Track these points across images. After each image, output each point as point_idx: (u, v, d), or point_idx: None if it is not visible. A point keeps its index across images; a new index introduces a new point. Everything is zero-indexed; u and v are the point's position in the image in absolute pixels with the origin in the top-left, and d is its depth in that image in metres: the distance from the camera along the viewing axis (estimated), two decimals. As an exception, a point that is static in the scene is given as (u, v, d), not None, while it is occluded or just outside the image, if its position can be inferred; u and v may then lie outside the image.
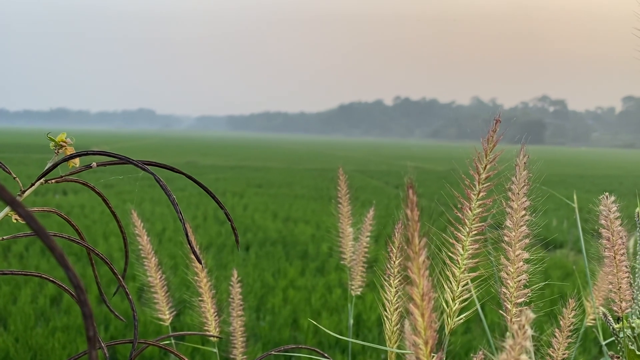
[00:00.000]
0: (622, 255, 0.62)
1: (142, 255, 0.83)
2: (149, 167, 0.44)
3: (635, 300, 0.74)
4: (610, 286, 0.63)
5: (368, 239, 1.03)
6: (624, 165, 35.95)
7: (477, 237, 0.51)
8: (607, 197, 0.60)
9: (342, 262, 1.06)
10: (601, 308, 0.65)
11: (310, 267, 6.25)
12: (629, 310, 0.70)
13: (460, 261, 0.50)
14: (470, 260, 0.49)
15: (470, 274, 0.49)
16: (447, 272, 0.50)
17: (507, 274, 0.52)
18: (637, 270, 0.77)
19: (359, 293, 1.12)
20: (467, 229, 0.50)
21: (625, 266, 0.62)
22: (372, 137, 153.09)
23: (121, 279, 0.46)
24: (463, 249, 0.50)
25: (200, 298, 0.85)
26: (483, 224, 0.49)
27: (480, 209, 0.49)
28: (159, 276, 0.84)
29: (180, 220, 0.42)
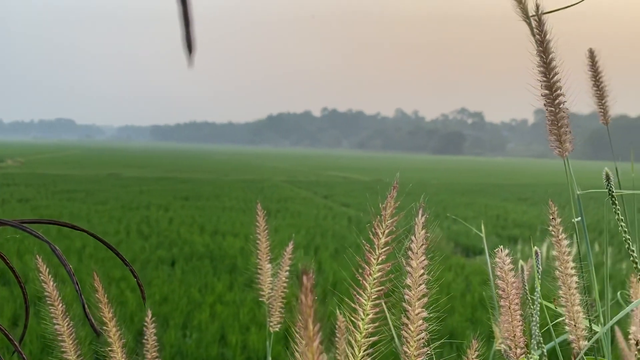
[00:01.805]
0: (516, 304, 0.66)
1: (49, 302, 0.77)
2: (41, 228, 0.42)
3: (534, 335, 0.80)
4: (506, 334, 0.68)
5: (287, 273, 1.03)
6: (537, 174, 38.18)
7: (377, 302, 0.53)
8: (501, 250, 0.64)
9: (260, 299, 1.05)
10: (503, 345, 0.69)
11: (239, 281, 6.17)
12: (527, 351, 0.75)
13: (361, 326, 0.52)
14: (371, 325, 0.51)
15: (370, 338, 0.51)
16: (350, 337, 0.52)
17: (408, 333, 0.54)
18: (533, 306, 0.82)
19: (277, 329, 1.11)
20: (368, 294, 0.52)
21: (520, 315, 0.67)
22: (302, 147, 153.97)
23: (17, 344, 0.43)
24: (364, 314, 0.52)
25: (110, 348, 0.81)
26: (383, 287, 0.52)
27: (380, 273, 0.52)
28: (67, 324, 0.79)
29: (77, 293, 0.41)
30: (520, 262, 0.88)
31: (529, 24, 0.73)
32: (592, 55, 0.90)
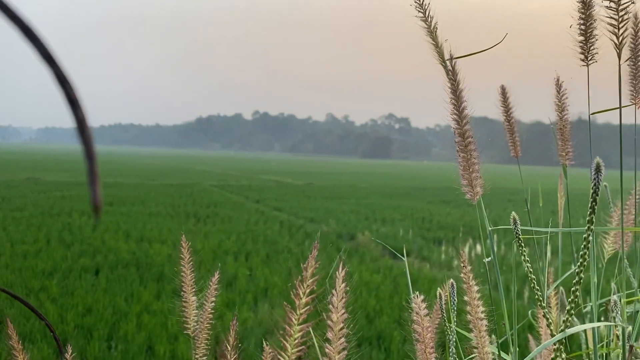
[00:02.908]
0: (431, 348, 0.71)
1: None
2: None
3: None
4: None
5: (213, 304, 1.02)
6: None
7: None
8: (417, 296, 0.69)
9: (185, 332, 1.03)
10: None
11: (167, 290, 6.04)
12: None
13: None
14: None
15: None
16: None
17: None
18: (450, 336, 0.88)
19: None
20: (289, 354, 0.54)
21: (435, 357, 0.71)
22: (233, 151, 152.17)
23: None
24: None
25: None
26: (303, 347, 0.54)
27: (301, 332, 0.54)
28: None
29: None
30: (439, 289, 0.94)
31: (445, 68, 0.79)
32: (503, 92, 0.99)
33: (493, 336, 0.93)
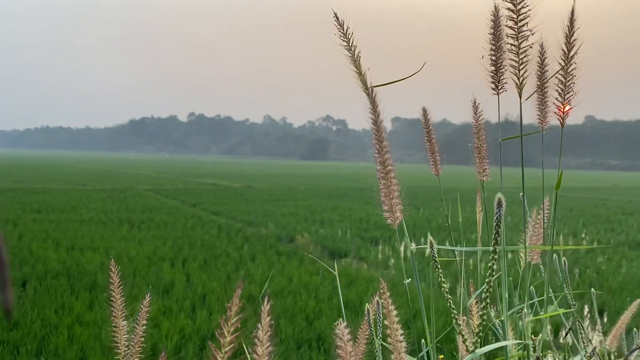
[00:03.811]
0: None
1: None
2: None
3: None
4: None
5: (144, 327, 1.00)
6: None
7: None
8: (340, 323, 0.71)
9: (116, 357, 1.01)
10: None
11: (100, 299, 5.84)
12: None
13: None
14: None
15: None
16: None
17: None
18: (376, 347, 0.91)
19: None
20: None
21: None
22: (168, 153, 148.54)
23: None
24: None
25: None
26: None
27: None
28: None
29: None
30: (367, 305, 0.97)
31: (368, 95, 0.83)
32: (425, 113, 1.04)
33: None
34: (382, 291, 0.74)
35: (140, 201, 17.84)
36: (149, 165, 58.13)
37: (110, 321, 1.09)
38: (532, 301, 1.02)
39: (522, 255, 1.11)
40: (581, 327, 1.10)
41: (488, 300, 0.61)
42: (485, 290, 0.61)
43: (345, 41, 0.84)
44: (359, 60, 0.85)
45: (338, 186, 29.78)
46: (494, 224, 0.55)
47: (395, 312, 0.74)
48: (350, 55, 0.85)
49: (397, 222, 0.85)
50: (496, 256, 0.57)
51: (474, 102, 0.96)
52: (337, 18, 0.82)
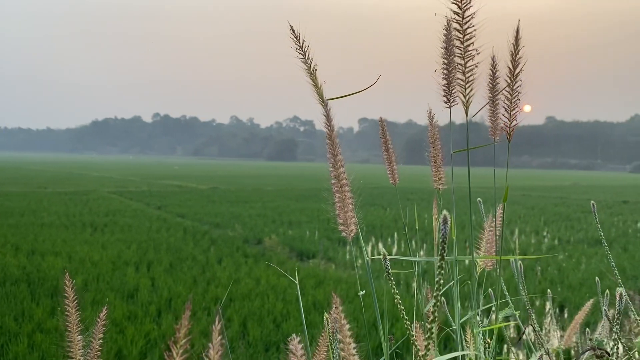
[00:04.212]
0: None
1: None
2: None
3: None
4: None
5: (101, 341, 0.98)
6: (362, 177, 40.76)
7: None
8: (294, 337, 0.72)
9: None
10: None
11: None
12: None
13: None
14: None
15: None
16: None
17: None
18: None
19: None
20: None
21: None
22: (132, 155, 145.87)
23: None
24: None
25: None
26: None
27: None
28: None
29: None
30: (325, 315, 0.98)
31: (324, 107, 0.84)
32: (382, 124, 1.06)
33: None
34: (334, 306, 0.75)
35: (104, 204, 17.48)
36: (113, 167, 57.02)
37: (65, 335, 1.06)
38: (487, 306, 1.05)
39: (478, 261, 1.14)
40: (534, 330, 1.14)
41: (436, 314, 0.62)
42: (433, 304, 0.63)
43: (301, 54, 0.85)
44: (315, 73, 0.86)
45: (306, 187, 29.81)
46: (440, 239, 0.56)
47: (347, 327, 0.75)
48: (306, 67, 0.86)
49: (352, 234, 0.86)
50: (442, 271, 0.59)
51: (430, 112, 0.98)
52: (293, 31, 0.82)
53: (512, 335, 5.37)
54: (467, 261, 1.14)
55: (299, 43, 0.85)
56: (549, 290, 1.52)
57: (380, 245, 11.69)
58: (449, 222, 0.57)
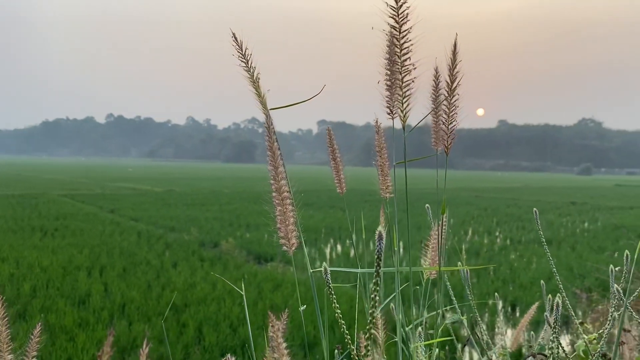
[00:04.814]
0: None
1: None
2: None
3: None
4: None
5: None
6: (321, 180, 40.92)
7: None
8: (229, 357, 0.71)
9: None
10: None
11: (11, 313, 5.48)
12: None
13: None
14: None
15: None
16: None
17: None
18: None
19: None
20: None
21: None
22: (84, 157, 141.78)
23: None
24: None
25: None
26: None
27: None
28: None
29: None
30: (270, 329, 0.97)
31: (266, 115, 0.84)
32: (329, 134, 1.07)
33: None
34: (270, 324, 0.74)
35: (54, 207, 16.93)
36: (64, 169, 55.32)
37: (19, 336, 1.01)
38: (430, 315, 1.06)
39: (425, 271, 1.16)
40: (478, 337, 1.16)
41: (372, 331, 0.63)
42: (369, 321, 0.63)
43: (243, 62, 0.84)
44: (258, 81, 0.85)
45: (265, 189, 29.57)
46: (375, 256, 0.57)
47: (284, 345, 0.74)
48: (249, 76, 0.85)
49: (293, 248, 0.86)
50: (378, 287, 0.59)
51: (376, 121, 0.99)
52: (236, 39, 0.82)
53: (465, 335, 5.48)
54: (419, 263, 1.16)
55: (241, 51, 0.84)
56: (496, 293, 1.56)
57: (339, 247, 11.75)
58: (383, 240, 0.58)
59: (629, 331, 1.13)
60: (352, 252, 11.45)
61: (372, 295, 0.59)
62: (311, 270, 0.94)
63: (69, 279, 7.39)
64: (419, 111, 0.97)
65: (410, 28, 0.81)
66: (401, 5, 0.81)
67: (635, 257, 1.04)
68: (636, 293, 1.09)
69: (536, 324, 5.09)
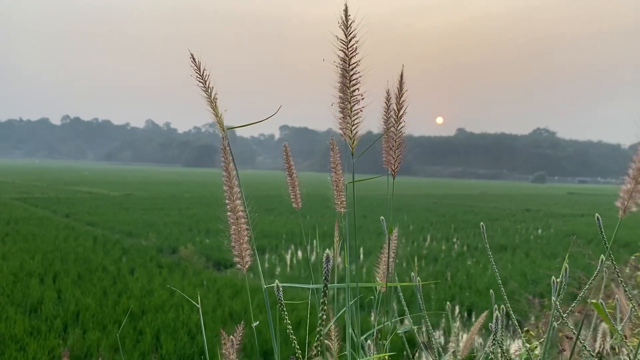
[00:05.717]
0: None
1: None
2: None
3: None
4: None
5: None
6: (282, 185, 40.88)
7: None
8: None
9: None
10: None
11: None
12: None
13: None
14: None
15: None
16: None
17: None
18: None
19: None
20: None
21: None
22: (38, 159, 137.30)
23: None
24: None
25: None
26: None
27: None
28: None
29: None
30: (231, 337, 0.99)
31: (222, 138, 0.86)
32: (286, 150, 1.09)
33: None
34: (223, 342, 0.76)
35: (5, 211, 16.34)
36: (16, 172, 53.46)
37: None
38: (381, 326, 1.10)
39: (378, 281, 1.19)
40: (428, 346, 1.21)
41: (319, 349, 0.65)
42: (316, 339, 0.65)
43: (201, 82, 0.86)
44: (216, 102, 0.87)
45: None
46: (323, 277, 0.59)
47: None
48: (206, 96, 0.87)
49: (247, 266, 0.88)
50: (325, 307, 0.61)
51: (331, 139, 1.02)
52: (194, 59, 0.83)
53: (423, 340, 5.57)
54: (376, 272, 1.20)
55: (199, 71, 0.85)
56: (447, 304, 1.61)
57: (300, 252, 11.75)
58: (330, 262, 0.60)
59: (571, 338, 1.19)
60: (313, 257, 11.48)
61: (320, 314, 0.61)
62: (265, 286, 0.96)
63: (20, 285, 7.16)
64: (373, 124, 1.01)
65: (359, 61, 0.84)
66: (350, 40, 0.84)
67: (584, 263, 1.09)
68: (574, 304, 1.15)
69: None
